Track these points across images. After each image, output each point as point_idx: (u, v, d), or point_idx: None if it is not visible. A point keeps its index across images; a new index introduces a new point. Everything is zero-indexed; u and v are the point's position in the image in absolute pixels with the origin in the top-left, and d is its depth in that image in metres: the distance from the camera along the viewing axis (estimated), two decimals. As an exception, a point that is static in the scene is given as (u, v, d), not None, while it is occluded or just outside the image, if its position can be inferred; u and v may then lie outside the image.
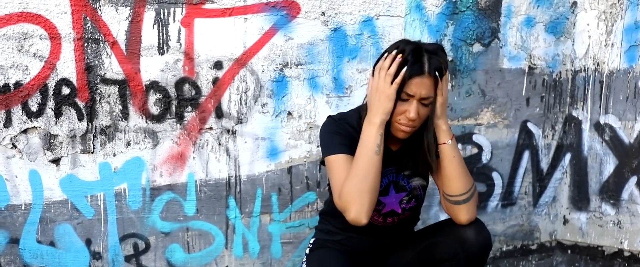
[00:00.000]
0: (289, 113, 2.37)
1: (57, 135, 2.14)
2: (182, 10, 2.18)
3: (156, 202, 2.28)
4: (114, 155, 2.21)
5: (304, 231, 2.48)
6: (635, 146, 2.55)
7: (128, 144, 2.22)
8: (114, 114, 2.18)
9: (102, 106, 2.16)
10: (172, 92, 2.23)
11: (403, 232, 2.04)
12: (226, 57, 2.26)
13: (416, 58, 1.71)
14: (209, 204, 2.34)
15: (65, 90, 2.12)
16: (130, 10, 2.12)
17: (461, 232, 1.86)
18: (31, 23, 2.03)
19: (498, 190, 2.76)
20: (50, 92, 2.10)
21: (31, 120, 2.10)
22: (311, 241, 2.09)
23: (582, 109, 2.75)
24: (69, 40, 2.08)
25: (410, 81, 1.71)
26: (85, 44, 2.10)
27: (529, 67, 2.70)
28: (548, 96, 2.77)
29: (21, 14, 2.02)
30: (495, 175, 2.74)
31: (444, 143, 1.83)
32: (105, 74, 2.15)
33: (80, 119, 2.15)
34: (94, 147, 2.18)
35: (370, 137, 1.73)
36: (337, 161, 1.78)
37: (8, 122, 2.08)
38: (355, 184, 1.70)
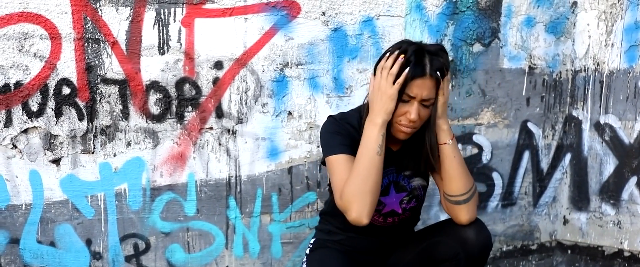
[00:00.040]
0: (289, 113, 2.37)
1: (57, 135, 2.14)
2: (182, 10, 2.18)
3: (156, 202, 2.28)
4: (115, 155, 2.21)
5: (304, 231, 2.48)
6: (635, 146, 2.55)
7: (128, 144, 2.22)
8: (115, 114, 2.18)
9: (103, 106, 2.16)
10: (173, 92, 2.23)
11: (403, 232, 2.04)
12: (226, 57, 2.26)
13: (418, 59, 1.71)
14: (209, 204, 2.34)
15: (66, 90, 2.12)
16: (130, 10, 2.12)
17: (461, 232, 1.86)
18: (32, 23, 2.04)
19: (498, 190, 2.76)
20: (51, 92, 2.10)
21: (31, 120, 2.10)
22: (311, 241, 2.09)
23: (582, 109, 2.75)
24: (69, 40, 2.08)
25: (411, 83, 1.71)
26: (86, 44, 2.11)
27: (529, 67, 2.70)
28: (548, 96, 2.77)
29: (22, 14, 2.02)
30: (495, 175, 2.74)
31: (445, 143, 1.83)
32: (105, 74, 2.15)
33: (80, 119, 2.15)
34: (94, 147, 2.18)
35: (372, 137, 1.73)
36: (338, 161, 1.78)
37: (8, 122, 2.08)
38: (357, 184, 1.71)
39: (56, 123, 2.13)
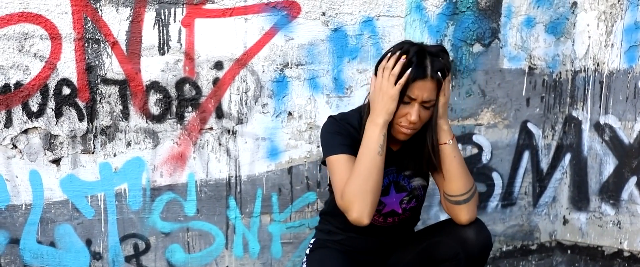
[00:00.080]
0: (290, 113, 2.37)
1: (57, 135, 2.14)
2: (182, 10, 2.18)
3: (156, 202, 2.28)
4: (115, 155, 2.21)
5: (304, 231, 2.48)
6: (635, 146, 2.55)
7: (128, 144, 2.22)
8: (115, 114, 2.18)
9: (103, 106, 2.16)
10: (173, 92, 2.23)
11: (403, 232, 2.04)
12: (226, 57, 2.26)
13: (420, 61, 1.71)
14: (209, 204, 2.34)
15: (66, 91, 2.12)
16: (130, 10, 2.13)
17: (461, 232, 1.86)
18: (32, 23, 2.04)
19: (498, 190, 2.76)
20: (51, 92, 2.10)
21: (32, 121, 2.10)
22: (311, 241, 2.09)
23: (582, 109, 2.75)
24: (69, 41, 2.08)
25: (413, 84, 1.71)
26: (86, 44, 2.11)
27: (529, 67, 2.70)
28: (548, 96, 2.77)
29: (22, 14, 2.02)
30: (495, 175, 2.74)
31: (445, 143, 1.83)
32: (105, 74, 2.15)
33: (80, 119, 2.15)
34: (94, 148, 2.18)
35: (373, 137, 1.73)
36: (338, 161, 1.78)
37: (8, 123, 2.08)
38: (358, 184, 1.71)
39: (56, 123, 2.13)
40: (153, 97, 2.21)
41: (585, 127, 2.74)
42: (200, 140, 2.29)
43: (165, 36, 2.18)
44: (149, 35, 2.16)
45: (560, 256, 2.90)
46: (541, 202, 2.86)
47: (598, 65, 2.68)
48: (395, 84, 1.71)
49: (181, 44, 2.20)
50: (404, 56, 1.71)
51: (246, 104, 2.32)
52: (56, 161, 2.15)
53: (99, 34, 2.11)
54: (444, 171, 1.84)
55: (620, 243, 2.64)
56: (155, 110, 2.22)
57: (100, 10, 2.10)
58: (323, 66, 2.38)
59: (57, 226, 2.19)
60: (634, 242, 2.60)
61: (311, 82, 2.38)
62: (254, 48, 2.28)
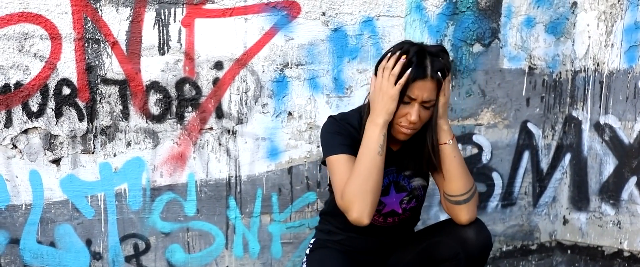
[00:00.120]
0: (290, 113, 2.37)
1: (57, 135, 2.14)
2: (182, 10, 2.18)
3: (156, 202, 2.28)
4: (115, 155, 2.21)
5: (304, 231, 2.48)
6: (635, 146, 2.55)
7: (128, 144, 2.22)
8: (115, 114, 2.18)
9: (103, 106, 2.16)
10: (173, 92, 2.23)
11: (403, 232, 2.04)
12: (226, 57, 2.26)
13: (420, 61, 1.71)
14: (209, 204, 2.34)
15: (66, 91, 2.12)
16: (130, 10, 2.13)
17: (461, 232, 1.86)
18: (32, 23, 2.04)
19: (498, 190, 2.76)
20: (51, 92, 2.10)
21: (32, 121, 2.10)
22: (311, 241, 2.09)
23: (582, 109, 2.75)
24: (69, 41, 2.08)
25: (413, 84, 1.71)
26: (86, 44, 2.11)
27: (529, 67, 2.70)
28: (548, 96, 2.77)
29: (22, 14, 2.02)
30: (495, 175, 2.74)
31: (445, 143, 1.83)
32: (105, 74, 2.15)
33: (80, 119, 2.15)
34: (94, 148, 2.18)
35: (373, 137, 1.73)
36: (339, 161, 1.78)
37: (8, 123, 2.08)
38: (358, 184, 1.71)
39: (56, 123, 2.13)
40: (153, 97, 2.21)
41: (585, 127, 2.74)
42: (200, 140, 2.29)
43: (165, 36, 2.18)
44: (149, 35, 2.16)
45: (560, 256, 2.90)
46: (541, 202, 2.86)
47: (598, 65, 2.68)
48: (396, 84, 1.71)
49: (181, 44, 2.20)
50: (404, 56, 1.71)
51: (246, 104, 2.32)
52: (56, 161, 2.15)
53: (99, 34, 2.11)
54: (444, 171, 1.84)
55: (620, 243, 2.64)
56: (155, 110, 2.22)
57: (100, 10, 2.10)
58: (323, 66, 2.38)
59: (57, 226, 2.19)
60: (634, 242, 2.60)
61: (311, 82, 2.38)
62: (254, 48, 2.28)
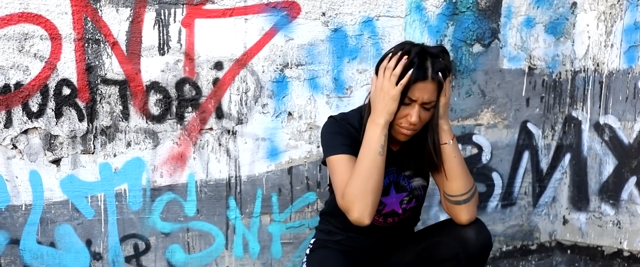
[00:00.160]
0: (289, 113, 2.37)
1: (57, 135, 2.14)
2: (182, 10, 2.18)
3: (156, 202, 2.28)
4: (115, 155, 2.21)
5: (304, 232, 2.48)
6: (634, 146, 2.55)
7: (128, 144, 2.22)
8: (115, 114, 2.18)
9: (103, 107, 2.16)
10: (173, 92, 2.23)
11: (403, 232, 2.04)
12: (226, 57, 2.26)
13: (421, 62, 1.71)
14: (209, 204, 2.34)
15: (66, 91, 2.12)
16: (130, 10, 2.13)
17: (461, 232, 1.86)
18: (32, 23, 2.03)
19: (498, 190, 2.76)
20: (51, 92, 2.10)
21: (32, 121, 2.10)
22: (311, 241, 2.09)
23: (582, 110, 2.75)
24: (69, 41, 2.08)
25: (413, 86, 1.71)
26: (86, 45, 2.11)
27: (529, 67, 2.70)
28: (548, 97, 2.77)
29: (22, 15, 2.02)
30: (495, 175, 2.74)
31: (445, 143, 1.83)
32: (105, 74, 2.15)
33: (80, 120, 2.15)
34: (94, 148, 2.18)
35: (374, 137, 1.73)
36: (339, 161, 1.78)
37: (8, 123, 2.08)
38: (359, 185, 1.71)
39: (56, 123, 2.13)
40: (153, 98, 2.21)
41: (585, 127, 2.74)
42: (200, 140, 2.29)
43: (165, 36, 2.18)
44: (149, 35, 2.16)
45: (560, 256, 2.90)
46: (541, 202, 2.86)
47: (598, 65, 2.68)
48: (397, 84, 1.71)
49: (181, 44, 2.20)
50: (405, 57, 1.71)
51: (246, 104, 2.32)
52: (56, 161, 2.15)
53: (99, 34, 2.11)
54: (444, 171, 1.84)
55: (620, 243, 2.65)
56: (155, 110, 2.22)
57: (100, 10, 2.10)
58: (323, 66, 2.38)
59: (57, 226, 2.19)
60: (633, 242, 2.60)
61: (311, 83, 2.38)
62: (254, 48, 2.28)
